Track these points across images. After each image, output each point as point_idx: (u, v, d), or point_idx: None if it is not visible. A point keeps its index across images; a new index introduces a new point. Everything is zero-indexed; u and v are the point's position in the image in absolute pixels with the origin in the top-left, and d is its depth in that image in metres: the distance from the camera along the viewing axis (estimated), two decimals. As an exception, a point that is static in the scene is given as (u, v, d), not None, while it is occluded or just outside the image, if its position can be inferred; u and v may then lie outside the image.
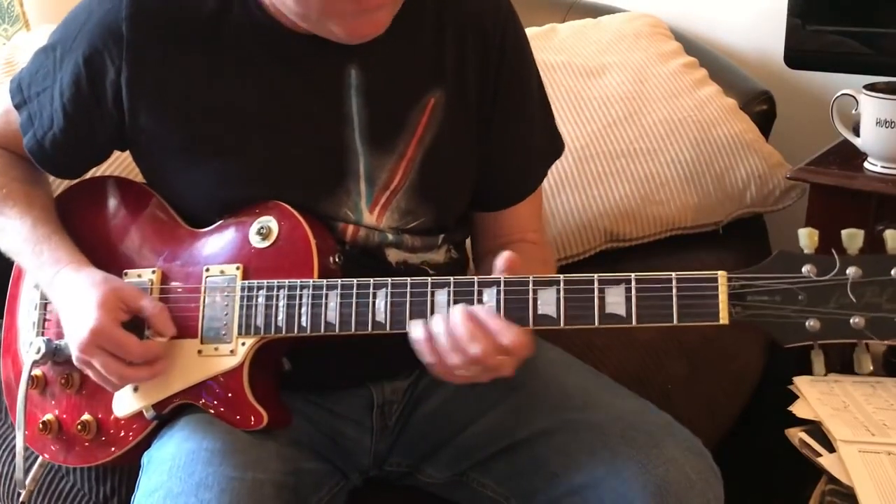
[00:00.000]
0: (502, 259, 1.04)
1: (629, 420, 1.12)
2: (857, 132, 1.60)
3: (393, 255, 1.18)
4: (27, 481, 1.21)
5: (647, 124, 1.74)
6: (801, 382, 1.47)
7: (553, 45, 1.88)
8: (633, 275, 1.00)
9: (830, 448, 1.35)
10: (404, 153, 1.16)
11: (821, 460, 1.33)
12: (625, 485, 1.07)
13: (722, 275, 0.98)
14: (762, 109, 1.84)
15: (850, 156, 1.63)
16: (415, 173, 1.16)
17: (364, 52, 1.12)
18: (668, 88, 1.79)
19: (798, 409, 1.42)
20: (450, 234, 1.23)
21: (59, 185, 1.32)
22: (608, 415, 1.13)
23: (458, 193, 1.23)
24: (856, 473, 1.29)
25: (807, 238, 0.97)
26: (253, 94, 1.13)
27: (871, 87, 1.56)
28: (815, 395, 1.43)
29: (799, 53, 1.66)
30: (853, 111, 1.58)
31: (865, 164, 1.60)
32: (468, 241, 1.31)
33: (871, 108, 1.55)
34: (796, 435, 1.38)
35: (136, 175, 1.26)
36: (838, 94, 1.59)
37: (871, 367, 0.98)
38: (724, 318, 0.97)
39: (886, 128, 1.53)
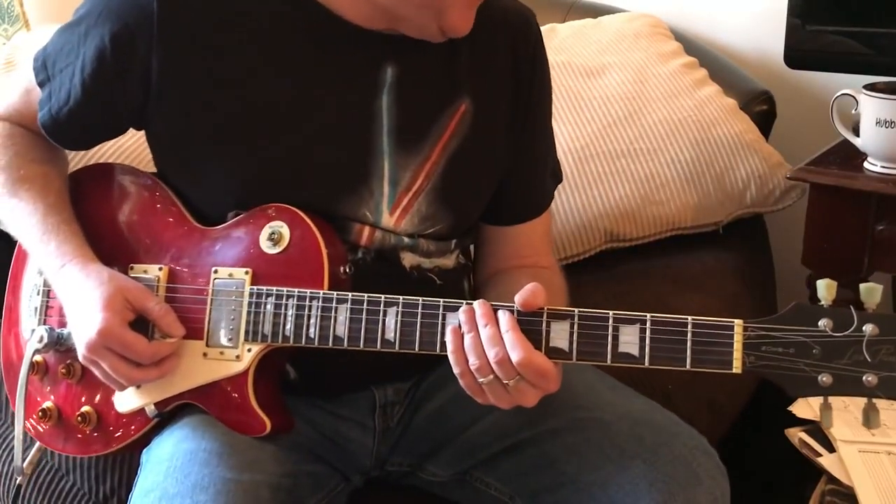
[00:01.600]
0: (529, 293, 1.01)
1: (637, 419, 1.13)
2: (857, 132, 1.60)
3: (408, 260, 1.18)
4: (24, 465, 1.21)
5: (647, 124, 1.74)
6: (801, 383, 1.46)
7: (553, 45, 1.87)
8: (648, 315, 0.99)
9: (830, 448, 1.35)
10: (429, 156, 1.16)
11: (821, 460, 1.33)
12: (633, 483, 1.07)
13: (738, 323, 0.97)
14: (762, 109, 1.83)
15: (850, 156, 1.63)
16: (437, 177, 1.16)
17: (403, 51, 1.12)
18: (668, 88, 1.79)
19: (798, 409, 1.42)
20: (461, 240, 1.24)
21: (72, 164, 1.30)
22: (616, 414, 1.14)
23: (477, 201, 1.23)
24: (856, 473, 1.29)
25: (825, 290, 0.96)
26: (285, 81, 1.12)
27: (871, 87, 1.56)
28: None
29: (799, 53, 1.66)
30: (853, 111, 1.58)
31: (865, 164, 1.60)
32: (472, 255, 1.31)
33: (870, 108, 1.55)
34: (796, 435, 1.38)
35: (145, 164, 1.25)
36: (838, 94, 1.59)
37: (881, 424, 0.98)
38: (737, 367, 0.97)
39: (886, 128, 1.53)
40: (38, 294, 1.22)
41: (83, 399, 1.17)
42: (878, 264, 1.60)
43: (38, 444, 1.22)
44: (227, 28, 1.11)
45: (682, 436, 1.11)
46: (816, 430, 1.38)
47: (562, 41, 1.89)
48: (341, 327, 1.06)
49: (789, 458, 1.38)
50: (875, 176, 1.57)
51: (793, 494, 1.37)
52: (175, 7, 1.09)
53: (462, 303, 1.03)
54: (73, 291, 1.11)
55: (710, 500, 1.08)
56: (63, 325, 1.15)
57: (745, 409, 1.60)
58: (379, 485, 1.28)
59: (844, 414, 1.40)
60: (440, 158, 1.16)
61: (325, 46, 1.12)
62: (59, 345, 1.16)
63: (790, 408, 1.42)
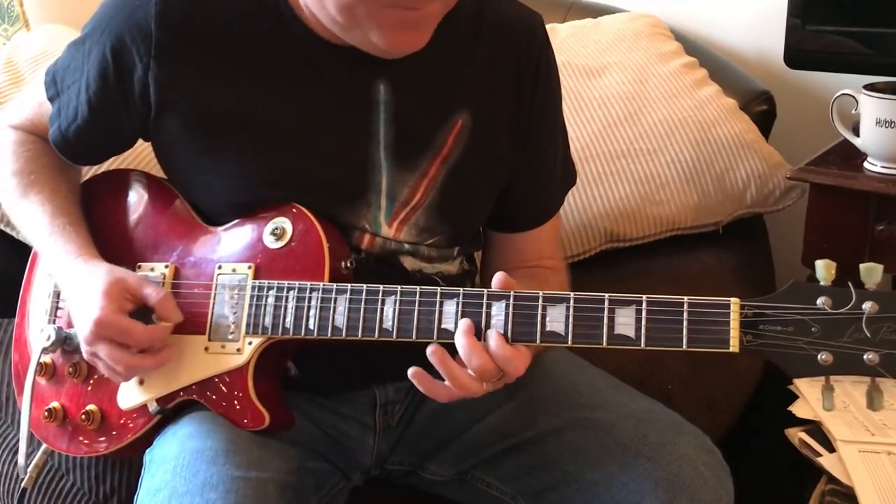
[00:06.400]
0: (497, 279, 1.03)
1: (640, 418, 1.13)
2: (856, 132, 1.60)
3: (409, 263, 1.18)
4: (30, 468, 1.22)
5: (647, 124, 1.74)
6: (801, 382, 1.46)
7: (553, 45, 1.87)
8: (644, 297, 0.98)
9: (830, 448, 1.35)
10: (427, 171, 1.16)
11: (821, 460, 1.33)
12: (637, 481, 1.08)
13: (735, 302, 0.96)
14: (762, 109, 1.84)
15: (850, 156, 1.63)
16: (436, 192, 1.16)
17: (395, 68, 1.11)
18: (668, 88, 1.79)
19: (798, 409, 1.42)
20: (464, 248, 1.24)
21: (86, 172, 1.33)
22: (619, 413, 1.14)
23: (477, 215, 1.23)
24: (856, 473, 1.29)
25: (824, 270, 0.95)
26: (280, 102, 1.13)
27: (871, 87, 1.56)
28: (815, 395, 1.43)
29: (799, 53, 1.66)
30: (853, 111, 1.58)
31: (865, 164, 1.60)
32: (478, 256, 1.32)
33: (870, 108, 1.55)
34: (796, 435, 1.38)
35: (156, 168, 1.26)
36: (838, 94, 1.59)
37: (885, 406, 0.96)
38: (734, 346, 0.95)
39: (886, 128, 1.53)
40: (49, 296, 1.24)
41: (88, 398, 1.18)
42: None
43: (43, 447, 1.23)
44: (222, 47, 1.12)
45: (687, 434, 1.12)
46: (816, 430, 1.38)
47: (562, 41, 1.89)
48: (340, 318, 1.06)
49: (789, 458, 1.38)
50: (875, 176, 1.57)
51: (793, 494, 1.37)
52: (170, 28, 1.11)
53: (459, 290, 1.03)
54: (75, 286, 1.13)
55: (715, 499, 1.08)
56: (72, 325, 1.16)
57: (745, 409, 1.60)
58: (380, 484, 1.28)
59: (844, 414, 1.40)
60: (438, 174, 1.16)
61: (319, 67, 1.13)
62: (66, 344, 1.18)
63: (790, 408, 1.42)
